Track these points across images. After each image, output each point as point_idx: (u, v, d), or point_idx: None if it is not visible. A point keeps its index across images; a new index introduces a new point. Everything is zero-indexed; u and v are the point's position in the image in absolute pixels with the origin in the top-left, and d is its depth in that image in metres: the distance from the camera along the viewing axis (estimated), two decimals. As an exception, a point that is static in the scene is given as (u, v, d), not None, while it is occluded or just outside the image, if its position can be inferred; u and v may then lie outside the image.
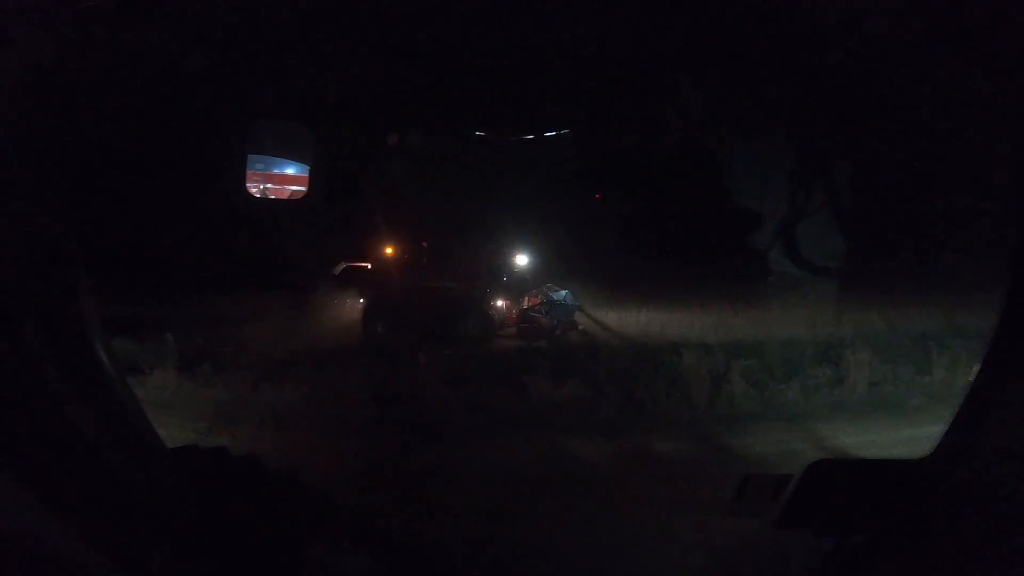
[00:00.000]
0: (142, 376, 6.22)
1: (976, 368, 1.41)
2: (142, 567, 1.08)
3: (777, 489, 1.48)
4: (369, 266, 9.30)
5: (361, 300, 8.78)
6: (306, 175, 6.27)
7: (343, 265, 9.30)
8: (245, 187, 6.08)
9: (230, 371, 6.72)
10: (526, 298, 9.36)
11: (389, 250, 9.28)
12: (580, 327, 9.22)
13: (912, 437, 5.23)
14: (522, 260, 9.64)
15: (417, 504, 3.86)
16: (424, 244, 9.38)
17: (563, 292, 9.39)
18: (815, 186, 10.57)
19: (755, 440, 5.52)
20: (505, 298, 9.15)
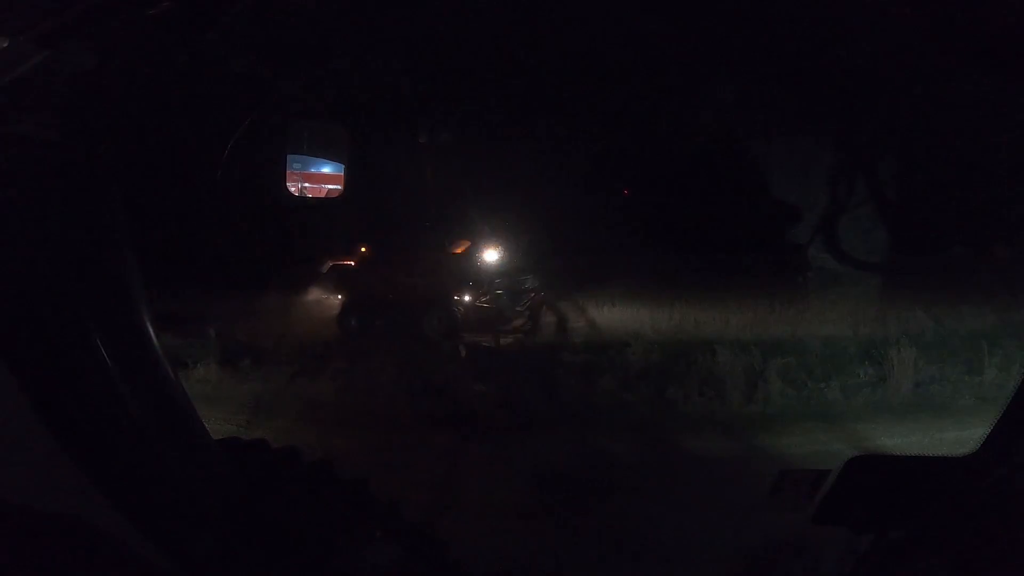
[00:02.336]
0: (185, 370, 6.46)
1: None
2: (186, 552, 1.12)
3: (814, 485, 1.45)
4: (353, 263, 9.63)
5: (339, 296, 9.20)
6: (341, 174, 6.38)
7: (329, 263, 9.70)
8: (285, 187, 6.22)
9: (268, 366, 6.94)
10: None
11: (364, 248, 9.59)
12: (529, 313, 9.26)
13: (959, 439, 5.03)
14: (492, 256, 9.74)
15: (448, 498, 3.91)
16: (398, 241, 9.66)
17: (524, 278, 9.48)
18: (858, 179, 10.24)
19: (792, 440, 5.39)
20: (473, 293, 9.27)
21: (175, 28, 1.09)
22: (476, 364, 7.25)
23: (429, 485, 4.18)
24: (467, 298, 9.15)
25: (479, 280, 9.38)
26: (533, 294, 9.70)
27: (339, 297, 9.36)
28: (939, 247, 9.59)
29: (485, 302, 9.15)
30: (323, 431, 5.57)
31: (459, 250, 9.71)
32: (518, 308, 9.35)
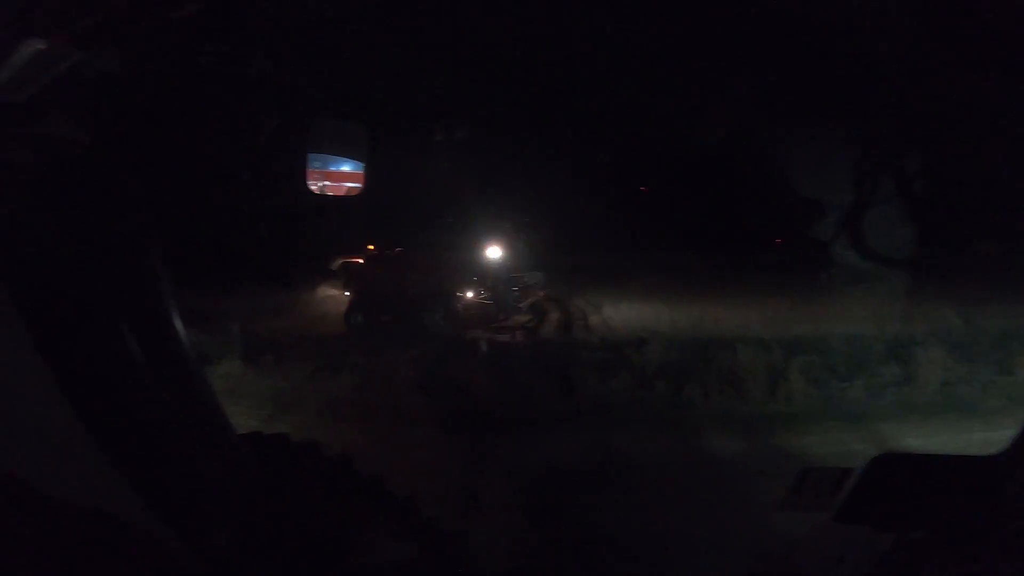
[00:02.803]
0: (209, 366, 6.58)
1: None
2: (208, 544, 1.15)
3: (836, 483, 1.43)
4: (362, 261, 9.79)
5: (346, 293, 9.37)
6: (360, 172, 6.45)
7: (339, 261, 9.86)
8: (306, 185, 6.33)
9: (289, 361, 7.04)
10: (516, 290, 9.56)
11: (371, 246, 9.75)
12: (534, 310, 9.30)
13: (986, 440, 4.90)
14: (496, 252, 9.79)
15: (463, 495, 3.92)
16: (407, 239, 9.80)
17: (529, 275, 9.55)
18: (884, 173, 10.03)
19: (813, 439, 5.31)
20: (475, 289, 9.34)
21: (200, 31, 1.11)
22: (490, 361, 7.27)
23: (444, 481, 4.21)
24: (469, 294, 9.25)
25: (482, 276, 9.46)
26: (540, 291, 9.76)
27: (347, 294, 9.52)
28: (969, 242, 9.35)
29: (486, 298, 9.24)
30: (341, 426, 5.64)
31: (463, 247, 9.80)
32: (520, 305, 9.43)
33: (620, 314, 9.41)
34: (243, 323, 7.63)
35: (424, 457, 4.82)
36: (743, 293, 9.34)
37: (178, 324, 1.19)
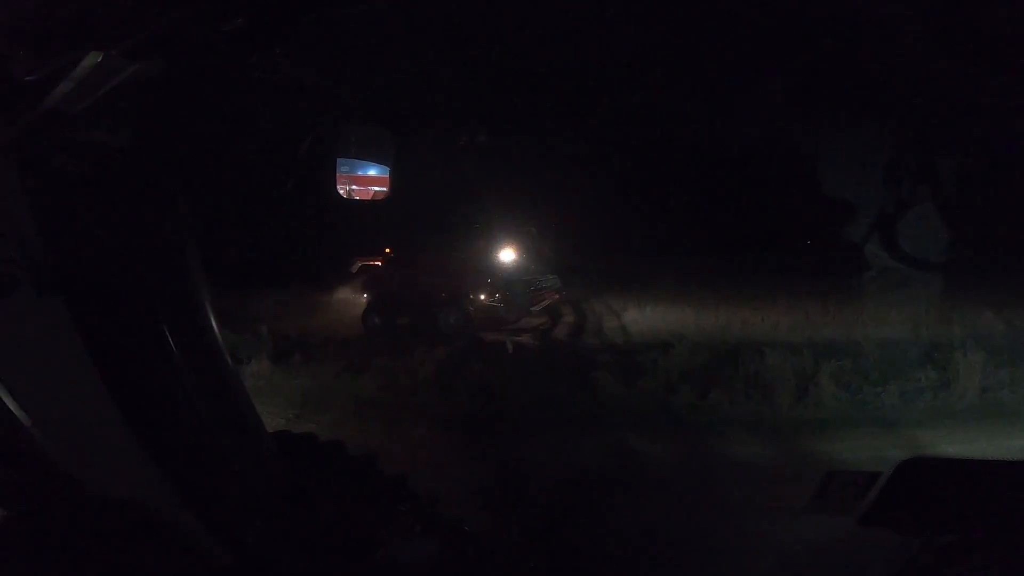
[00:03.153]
0: (239, 366, 6.74)
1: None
2: (238, 539, 1.19)
3: (864, 488, 1.41)
4: (380, 263, 9.93)
5: (364, 295, 9.54)
6: (386, 176, 6.56)
7: (359, 264, 10.00)
8: (335, 189, 6.46)
9: (316, 362, 7.18)
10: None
11: (388, 249, 9.87)
12: (548, 312, 9.27)
13: (1027, 448, 4.74)
14: (509, 256, 9.82)
15: (485, 496, 3.93)
16: (421, 243, 9.92)
17: (542, 278, 9.56)
18: (922, 173, 9.75)
19: (843, 445, 5.19)
20: (488, 292, 9.38)
21: (246, 44, 1.14)
22: (504, 363, 7.28)
23: (466, 481, 4.23)
24: (482, 296, 9.32)
25: (495, 279, 9.51)
26: (556, 294, 9.76)
27: (365, 296, 9.67)
28: (1011, 244, 9.03)
29: (496, 301, 9.30)
30: (366, 425, 5.71)
31: (478, 250, 9.87)
32: (533, 308, 9.47)
33: (645, 317, 9.34)
34: (271, 324, 7.81)
35: (446, 457, 4.85)
36: (772, 296, 9.18)
37: (214, 325, 1.24)
